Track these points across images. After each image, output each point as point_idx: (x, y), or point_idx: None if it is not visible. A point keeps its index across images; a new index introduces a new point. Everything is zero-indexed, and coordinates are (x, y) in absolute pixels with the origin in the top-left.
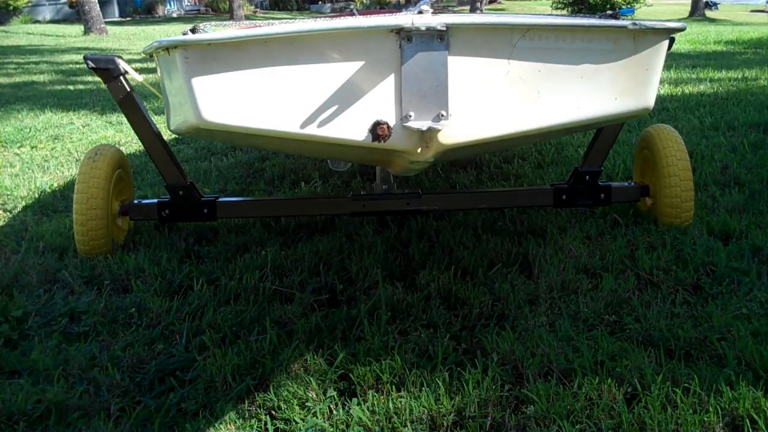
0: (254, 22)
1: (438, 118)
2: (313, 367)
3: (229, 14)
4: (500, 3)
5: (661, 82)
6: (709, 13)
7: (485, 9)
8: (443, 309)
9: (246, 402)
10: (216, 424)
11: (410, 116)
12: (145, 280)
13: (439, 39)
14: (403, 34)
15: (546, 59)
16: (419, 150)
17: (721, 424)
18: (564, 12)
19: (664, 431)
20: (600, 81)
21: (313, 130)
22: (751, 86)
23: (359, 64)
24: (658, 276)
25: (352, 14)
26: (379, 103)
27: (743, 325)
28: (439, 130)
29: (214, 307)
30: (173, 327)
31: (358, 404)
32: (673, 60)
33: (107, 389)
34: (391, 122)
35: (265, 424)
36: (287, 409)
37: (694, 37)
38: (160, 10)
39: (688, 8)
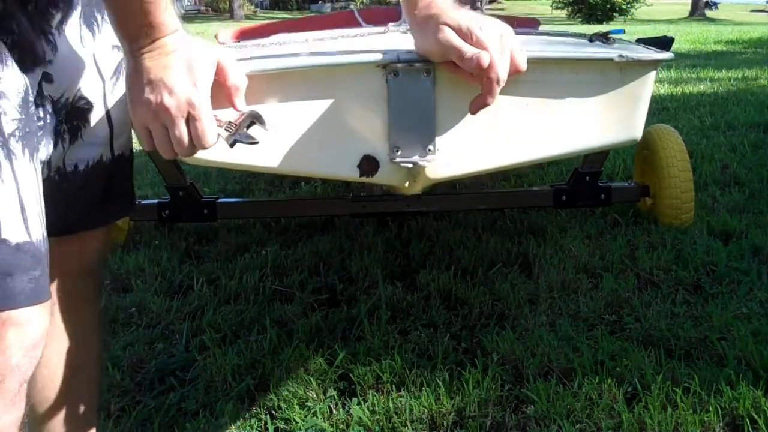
0: (255, 22)
1: (425, 152)
2: (313, 367)
3: (230, 14)
4: (500, 2)
5: (662, 81)
6: (709, 13)
7: (485, 9)
8: (443, 309)
9: (246, 402)
10: (216, 424)
11: (398, 151)
12: (145, 279)
13: (426, 73)
14: (390, 68)
15: (533, 92)
16: (407, 184)
17: (721, 424)
18: (564, 12)
19: (664, 431)
20: (588, 113)
21: (298, 165)
22: (751, 86)
23: (345, 99)
24: (658, 276)
25: (351, 13)
26: (366, 138)
27: (743, 324)
28: (426, 165)
29: (214, 306)
30: (173, 327)
31: (358, 404)
32: (673, 60)
33: (107, 389)
34: (379, 157)
35: (265, 424)
36: (287, 409)
37: (694, 37)
38: None
39: (688, 8)
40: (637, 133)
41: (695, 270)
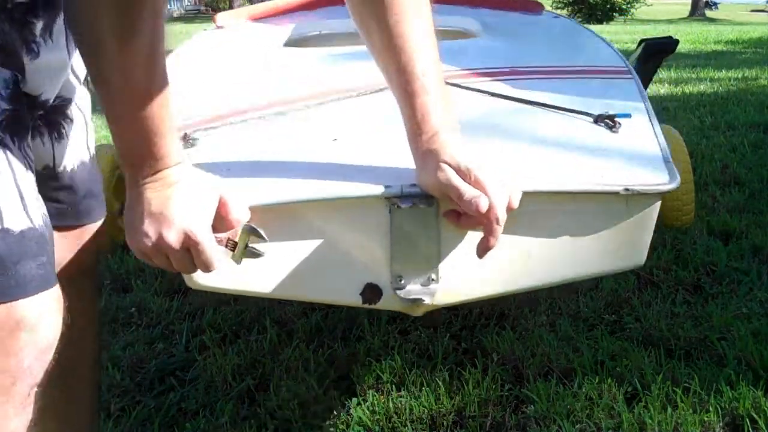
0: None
1: (428, 281)
2: (313, 367)
3: None
4: None
5: (661, 81)
6: (709, 13)
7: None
8: (443, 309)
9: (246, 402)
10: (216, 424)
11: (401, 280)
12: (145, 279)
13: (428, 206)
14: (392, 201)
15: (537, 221)
16: (410, 310)
17: (721, 424)
18: (564, 11)
19: (664, 431)
20: (592, 242)
21: (300, 292)
22: (751, 86)
23: (347, 228)
24: (658, 276)
25: None
26: (368, 267)
27: (743, 324)
28: (428, 301)
29: (214, 306)
30: (173, 327)
31: (358, 404)
32: (673, 60)
33: (107, 389)
34: (382, 285)
35: (265, 424)
36: (287, 409)
37: (694, 37)
38: None
39: (688, 8)
40: (642, 259)
41: (695, 270)
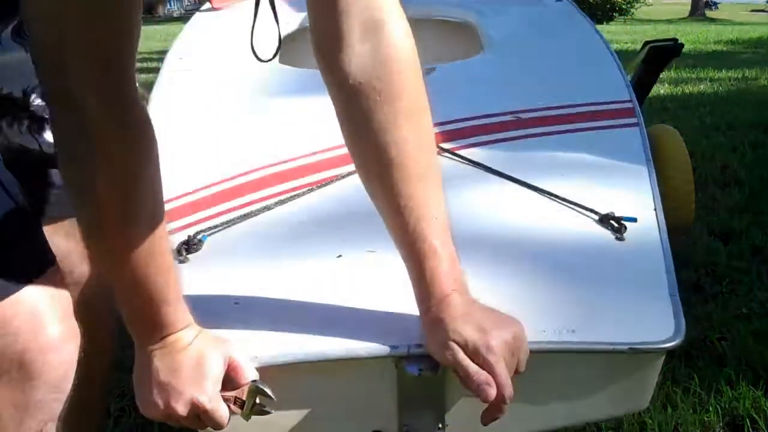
0: None
1: (435, 429)
2: None
3: None
4: None
5: (661, 81)
6: (709, 13)
7: None
8: None
9: None
10: None
11: (407, 430)
12: None
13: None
14: (400, 359)
15: (540, 375)
16: None
17: (721, 424)
18: None
19: (664, 431)
20: (594, 392)
21: None
22: (752, 86)
23: (356, 384)
24: None
25: None
26: (376, 416)
27: (743, 324)
28: None
29: None
30: None
31: None
32: (673, 60)
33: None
34: None
35: None
36: None
37: (694, 37)
38: (160, 10)
39: (688, 8)
40: (644, 403)
41: (695, 270)
